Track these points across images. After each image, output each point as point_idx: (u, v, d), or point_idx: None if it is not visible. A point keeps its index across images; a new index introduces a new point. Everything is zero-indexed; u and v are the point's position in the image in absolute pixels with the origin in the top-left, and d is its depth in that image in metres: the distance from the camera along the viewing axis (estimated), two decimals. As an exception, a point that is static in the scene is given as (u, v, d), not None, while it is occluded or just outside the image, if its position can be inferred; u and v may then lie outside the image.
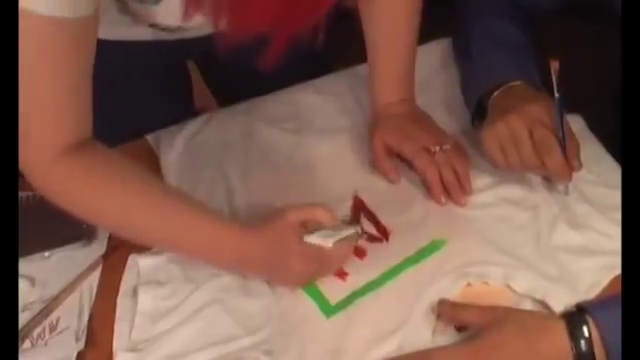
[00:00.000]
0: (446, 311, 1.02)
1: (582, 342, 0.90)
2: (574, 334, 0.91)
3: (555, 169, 1.09)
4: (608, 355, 0.89)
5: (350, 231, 1.09)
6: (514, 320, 0.96)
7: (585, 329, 0.90)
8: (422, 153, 1.19)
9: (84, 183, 1.00)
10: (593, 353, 0.90)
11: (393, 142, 1.22)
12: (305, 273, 1.07)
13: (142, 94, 1.39)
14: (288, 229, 1.06)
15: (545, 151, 1.08)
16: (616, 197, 1.12)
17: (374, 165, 1.24)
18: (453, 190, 1.17)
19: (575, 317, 0.92)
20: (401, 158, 1.22)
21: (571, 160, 1.09)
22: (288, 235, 1.05)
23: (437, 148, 1.19)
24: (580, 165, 1.10)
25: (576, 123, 1.23)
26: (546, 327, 0.94)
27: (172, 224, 1.04)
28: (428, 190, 1.19)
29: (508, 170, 1.13)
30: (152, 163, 1.28)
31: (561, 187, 1.16)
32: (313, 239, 1.05)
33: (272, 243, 1.05)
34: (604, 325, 0.90)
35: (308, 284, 1.08)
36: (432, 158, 1.18)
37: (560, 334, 0.91)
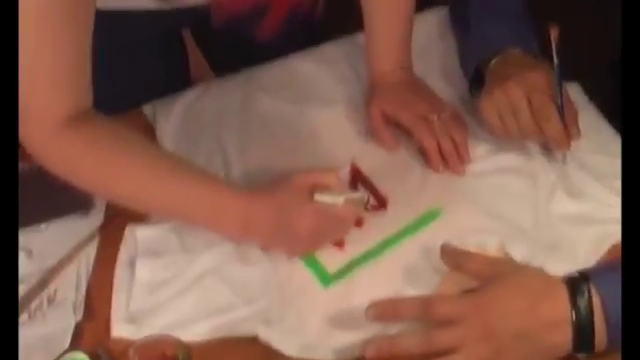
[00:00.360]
0: (449, 257, 1.02)
1: (583, 310, 0.90)
2: (575, 301, 0.90)
3: (553, 136, 1.09)
4: (607, 323, 0.89)
5: (358, 195, 1.10)
6: (517, 278, 0.96)
7: (587, 296, 0.90)
8: (420, 122, 1.19)
9: (85, 154, 1.00)
10: (592, 322, 0.89)
11: (390, 110, 1.21)
12: (313, 236, 1.06)
13: (138, 64, 1.38)
14: (296, 191, 1.05)
15: (543, 118, 1.08)
16: (614, 165, 1.12)
17: (372, 134, 1.23)
18: (451, 158, 1.17)
19: (577, 283, 0.92)
20: (398, 126, 1.22)
21: (570, 128, 1.09)
22: (296, 196, 1.05)
23: (435, 116, 1.18)
24: (578, 133, 1.10)
25: (574, 91, 1.22)
26: (548, 290, 0.93)
27: (177, 192, 1.04)
28: (426, 158, 1.18)
29: (506, 138, 1.13)
30: (148, 133, 1.27)
31: (559, 155, 1.15)
32: (324, 197, 1.05)
33: (279, 205, 1.04)
34: (606, 292, 0.90)
35: (308, 254, 1.08)
36: (430, 126, 1.18)
37: (561, 299, 0.91)
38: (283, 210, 1.04)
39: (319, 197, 1.04)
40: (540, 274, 0.98)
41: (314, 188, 1.06)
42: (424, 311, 0.94)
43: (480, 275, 0.98)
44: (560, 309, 0.90)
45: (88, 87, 0.99)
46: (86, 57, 0.97)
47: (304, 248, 1.08)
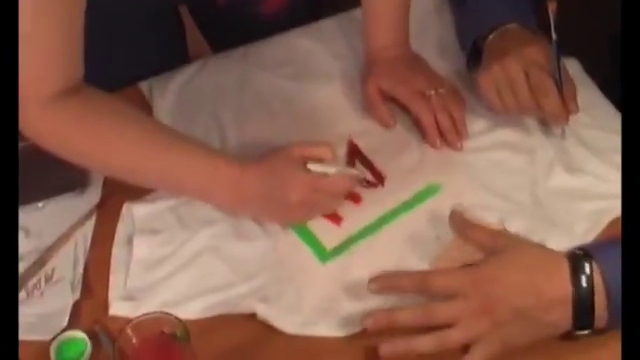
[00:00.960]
0: (456, 223, 1.03)
1: (584, 288, 0.89)
2: (577, 279, 0.90)
3: (552, 111, 1.08)
4: (609, 300, 0.89)
5: (354, 172, 1.10)
6: (518, 254, 0.95)
7: (589, 273, 0.90)
8: (417, 97, 1.18)
9: (77, 127, 1.00)
10: (593, 300, 0.89)
11: (388, 86, 1.21)
12: (305, 205, 1.06)
13: (134, 41, 1.37)
14: (289, 161, 1.05)
15: (542, 93, 1.08)
16: (613, 140, 1.12)
17: (369, 110, 1.23)
18: (449, 134, 1.16)
19: (579, 260, 0.91)
20: (396, 102, 1.21)
21: (568, 102, 1.09)
22: (289, 165, 1.05)
23: (432, 92, 1.18)
24: (577, 107, 1.10)
25: (572, 67, 1.22)
26: (549, 267, 0.93)
27: (169, 161, 1.04)
28: (424, 134, 1.18)
29: (504, 113, 1.13)
30: (145, 110, 1.25)
31: (557, 130, 1.15)
32: (316, 167, 1.05)
33: (271, 174, 1.04)
34: (608, 270, 0.89)
35: (303, 225, 1.08)
36: (427, 102, 1.17)
37: (562, 276, 0.91)
38: (275, 178, 1.04)
39: (312, 166, 1.05)
40: (542, 250, 0.98)
41: (307, 159, 1.06)
42: (423, 284, 0.94)
43: (482, 246, 0.98)
44: (561, 286, 0.90)
45: (80, 61, 0.99)
46: (79, 32, 0.96)
47: (296, 218, 1.08)
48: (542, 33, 1.13)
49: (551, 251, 0.97)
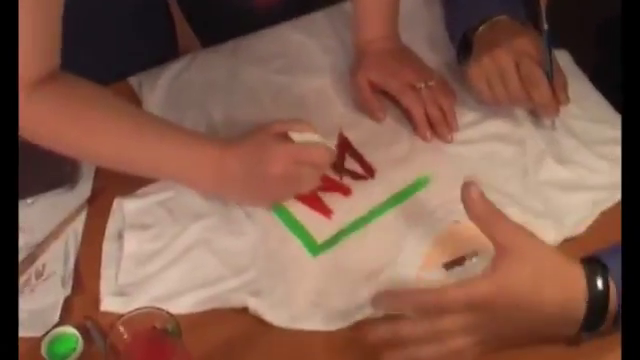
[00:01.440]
0: (479, 208, 0.92)
1: (597, 308, 0.87)
2: (592, 305, 0.87)
3: (542, 103, 1.09)
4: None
5: (331, 143, 1.10)
6: (533, 260, 0.89)
7: (603, 290, 0.87)
8: (407, 90, 1.18)
9: (56, 112, 1.00)
10: (604, 317, 0.87)
11: (377, 79, 1.20)
12: (287, 178, 1.05)
13: (123, 35, 1.37)
14: (270, 136, 1.05)
15: (532, 84, 1.08)
16: (603, 132, 1.12)
17: (359, 103, 1.23)
18: (439, 126, 1.16)
19: (596, 277, 0.88)
20: (385, 95, 1.21)
21: (558, 93, 1.09)
22: (269, 140, 1.05)
23: (422, 84, 1.18)
24: (567, 99, 1.10)
25: (563, 58, 1.22)
26: (563, 283, 0.88)
27: (150, 144, 1.04)
28: (414, 127, 1.18)
29: (495, 104, 1.13)
30: (135, 104, 1.25)
31: (548, 122, 1.15)
32: (298, 136, 1.05)
33: (252, 150, 1.04)
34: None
35: (294, 218, 1.08)
36: (417, 94, 1.17)
37: (576, 294, 0.87)
38: (256, 154, 1.04)
39: (294, 135, 1.05)
40: (560, 258, 0.91)
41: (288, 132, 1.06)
42: (437, 303, 0.89)
43: (500, 241, 0.91)
44: (573, 307, 0.87)
45: (59, 48, 0.99)
46: (58, 16, 0.96)
47: (279, 194, 1.08)
48: (531, 25, 1.14)
49: (568, 260, 0.91)
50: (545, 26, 1.06)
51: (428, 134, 1.16)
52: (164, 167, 1.07)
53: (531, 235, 0.92)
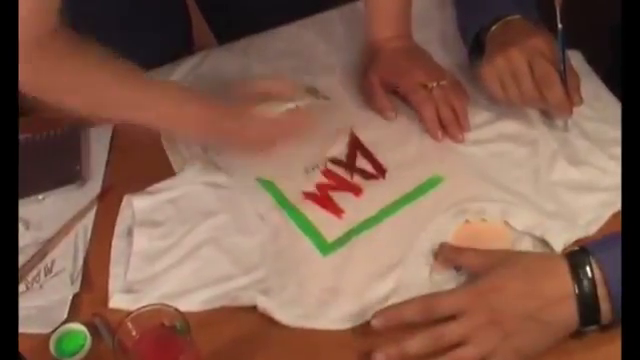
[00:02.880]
0: (446, 254, 1.01)
1: (585, 282, 0.88)
2: (577, 274, 0.89)
3: (556, 103, 1.08)
4: (610, 294, 0.88)
5: (306, 100, 1.13)
6: (514, 262, 0.95)
7: (588, 269, 0.89)
8: (419, 89, 1.18)
9: (52, 71, 0.99)
10: (596, 293, 0.88)
11: (389, 78, 1.20)
12: (265, 141, 1.11)
13: (139, 32, 1.37)
14: (250, 98, 1.09)
15: (546, 85, 1.07)
16: (615, 133, 1.12)
17: (370, 102, 1.22)
18: (450, 126, 1.16)
19: (578, 257, 0.91)
20: (397, 94, 1.21)
21: (572, 94, 1.08)
22: (249, 102, 1.08)
23: (434, 84, 1.17)
24: (581, 100, 1.09)
25: (575, 58, 1.22)
26: (548, 268, 0.92)
27: (138, 94, 1.05)
28: (425, 126, 1.17)
29: (508, 104, 1.12)
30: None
31: (560, 123, 1.14)
32: (263, 107, 1.09)
33: (234, 111, 1.08)
34: (607, 265, 0.89)
35: (304, 217, 1.09)
36: (429, 94, 1.17)
37: (562, 274, 0.90)
38: (236, 115, 1.08)
39: (260, 107, 1.09)
40: (536, 253, 0.98)
41: (267, 95, 1.10)
42: (427, 309, 0.93)
43: (477, 267, 0.96)
44: (562, 286, 0.89)
45: (57, 10, 0.98)
46: None
47: (257, 150, 1.13)
48: (544, 25, 1.13)
49: (546, 253, 0.97)
50: (560, 25, 1.06)
51: (439, 134, 1.16)
52: (150, 113, 1.08)
53: (503, 250, 0.99)
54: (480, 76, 1.14)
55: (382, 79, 1.20)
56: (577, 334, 0.91)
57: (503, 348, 0.89)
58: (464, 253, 1.00)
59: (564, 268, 0.90)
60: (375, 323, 0.94)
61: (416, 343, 0.91)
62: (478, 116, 1.18)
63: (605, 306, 0.89)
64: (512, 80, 1.09)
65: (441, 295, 0.95)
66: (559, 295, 0.89)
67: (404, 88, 1.19)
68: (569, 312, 0.89)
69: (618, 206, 1.04)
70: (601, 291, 0.88)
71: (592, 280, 0.89)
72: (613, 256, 0.86)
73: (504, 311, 0.90)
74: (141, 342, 0.89)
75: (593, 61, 1.25)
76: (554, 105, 1.08)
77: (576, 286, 0.89)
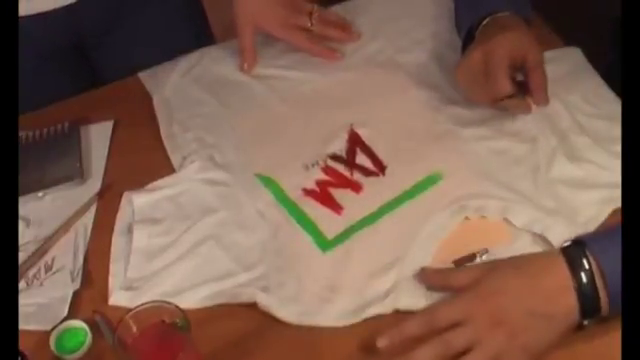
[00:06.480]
0: (431, 280, 0.99)
1: (583, 274, 0.89)
2: (574, 267, 0.90)
3: (500, 98, 1.08)
4: (606, 287, 0.89)
5: None
6: (511, 264, 0.95)
7: (585, 261, 0.90)
8: (297, 33, 1.29)
9: None
10: (595, 284, 0.89)
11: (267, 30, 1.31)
12: None
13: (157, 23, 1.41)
14: None
15: (492, 81, 1.07)
16: (615, 130, 1.11)
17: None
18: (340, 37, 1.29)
19: (574, 250, 0.91)
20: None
21: (535, 92, 1.07)
22: None
23: (309, 24, 1.28)
24: (544, 100, 1.07)
25: (575, 55, 1.22)
26: (545, 264, 0.93)
27: None
28: (312, 54, 1.29)
29: (481, 103, 1.13)
30: (145, 101, 1.27)
31: (560, 119, 1.14)
32: None
33: None
34: (602, 257, 0.89)
35: (304, 214, 1.08)
36: (309, 34, 1.27)
37: (560, 269, 0.90)
38: None
39: None
40: (532, 253, 0.98)
41: None
42: (430, 322, 0.92)
43: (470, 282, 0.95)
44: (561, 278, 0.90)
45: None
46: None
47: None
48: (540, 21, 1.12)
49: (543, 252, 0.98)
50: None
51: (326, 52, 1.29)
52: None
53: (491, 261, 0.99)
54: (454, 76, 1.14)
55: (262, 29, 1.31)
56: (579, 327, 0.91)
57: (511, 348, 0.89)
58: (451, 275, 0.98)
59: (561, 262, 0.91)
60: (380, 344, 0.93)
61: (423, 352, 0.90)
62: (477, 112, 1.18)
63: (603, 298, 0.89)
64: (480, 78, 1.09)
65: (442, 305, 0.94)
66: (559, 288, 0.90)
67: (283, 37, 1.31)
68: (570, 304, 0.89)
69: (618, 203, 1.04)
70: (599, 282, 0.89)
71: (590, 271, 0.89)
72: (608, 248, 0.88)
73: (507, 311, 0.90)
74: (141, 339, 0.89)
75: (594, 58, 1.24)
76: (503, 101, 1.08)
77: (574, 278, 0.89)
